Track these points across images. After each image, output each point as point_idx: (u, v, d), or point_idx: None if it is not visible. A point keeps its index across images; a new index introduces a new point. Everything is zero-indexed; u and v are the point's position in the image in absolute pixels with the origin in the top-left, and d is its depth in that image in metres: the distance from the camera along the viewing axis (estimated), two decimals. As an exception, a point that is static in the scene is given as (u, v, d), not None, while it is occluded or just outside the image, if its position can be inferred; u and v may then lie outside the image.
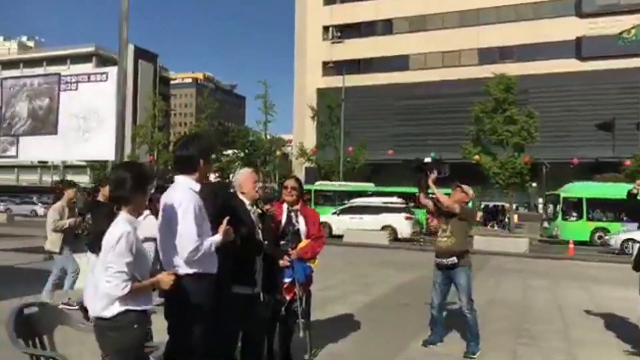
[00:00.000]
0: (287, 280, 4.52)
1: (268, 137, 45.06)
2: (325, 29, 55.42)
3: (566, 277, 12.19)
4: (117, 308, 2.56)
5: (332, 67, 42.99)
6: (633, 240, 18.75)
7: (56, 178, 63.01)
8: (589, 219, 24.94)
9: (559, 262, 16.36)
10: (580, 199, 25.46)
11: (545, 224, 27.45)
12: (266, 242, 4.11)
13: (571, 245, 18.81)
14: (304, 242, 4.63)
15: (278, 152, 44.51)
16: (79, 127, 8.61)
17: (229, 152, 45.99)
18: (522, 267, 13.91)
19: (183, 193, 3.07)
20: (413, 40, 51.12)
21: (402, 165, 47.11)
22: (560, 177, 29.29)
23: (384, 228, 21.53)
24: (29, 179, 74.93)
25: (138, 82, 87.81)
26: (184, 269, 2.98)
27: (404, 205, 24.30)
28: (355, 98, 45.83)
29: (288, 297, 4.54)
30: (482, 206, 38.32)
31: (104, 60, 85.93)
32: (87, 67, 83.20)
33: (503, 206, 37.69)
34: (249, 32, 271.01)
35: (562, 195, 25.92)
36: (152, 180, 3.36)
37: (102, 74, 8.63)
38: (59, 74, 8.98)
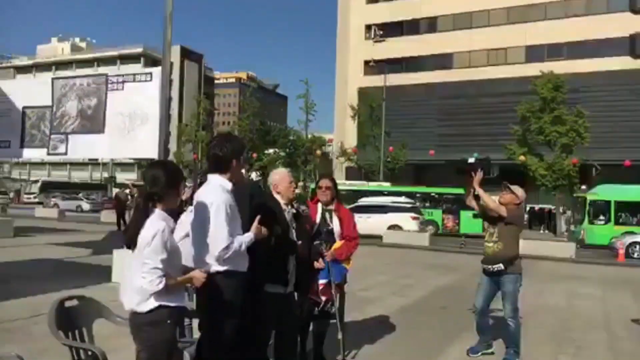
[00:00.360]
0: (322, 281, 4.51)
1: (309, 136, 45.19)
2: (368, 27, 55.08)
3: (614, 284, 11.69)
4: (151, 303, 2.61)
5: (374, 66, 42.75)
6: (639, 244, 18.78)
7: (105, 175, 65.32)
8: (617, 223, 23.59)
9: (608, 268, 15.70)
10: (608, 202, 24.31)
11: (572, 228, 26.43)
12: (300, 242, 4.12)
13: (621, 251, 18.03)
14: (339, 243, 4.61)
15: (318, 152, 44.53)
16: (124, 126, 8.87)
17: (270, 151, 46.42)
18: (569, 272, 13.44)
19: (215, 192, 3.11)
20: (458, 38, 50.18)
21: (444, 165, 46.46)
22: (611, 180, 28.13)
23: (390, 227, 21.44)
24: (80, 175, 77.90)
25: (184, 81, 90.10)
26: (215, 267, 3.03)
27: (410, 205, 24.24)
28: (397, 97, 45.40)
29: (324, 298, 4.54)
30: (528, 209, 37.26)
31: (151, 61, 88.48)
32: (136, 67, 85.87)
33: (550, 209, 36.54)
34: (292, 32, 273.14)
35: (589, 197, 24.76)
36: (184, 177, 3.44)
37: (146, 74, 8.86)
38: (106, 75, 9.28)
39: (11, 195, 47.37)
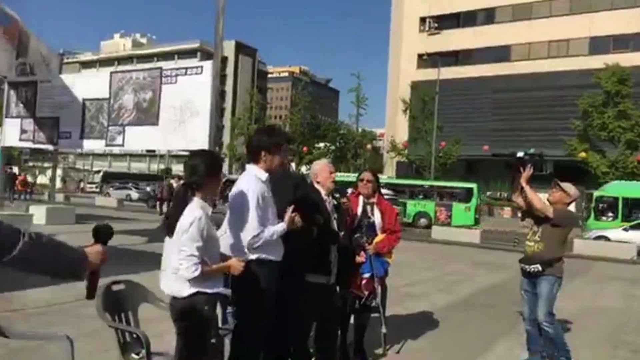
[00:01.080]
0: (366, 275, 4.50)
1: (359, 130, 45.04)
2: (422, 20, 54.15)
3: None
4: (188, 289, 2.69)
5: (427, 60, 42.02)
6: (605, 238, 18.81)
7: (162, 166, 67.58)
8: (624, 220, 22.41)
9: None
10: (615, 199, 23.66)
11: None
12: (342, 234, 4.12)
13: None
14: (380, 237, 4.58)
15: (369, 146, 44.33)
16: (175, 118, 9.13)
17: (321, 145, 46.60)
18: (629, 274, 12.79)
19: (248, 181, 3.19)
20: (516, 29, 48.52)
21: (497, 161, 45.14)
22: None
23: None
24: (138, 166, 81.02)
25: (238, 75, 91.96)
26: (247, 255, 3.09)
27: (389, 197, 23.84)
28: (450, 91, 44.43)
29: (366, 292, 4.52)
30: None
31: (207, 55, 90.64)
32: (193, 62, 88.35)
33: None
34: (345, 26, 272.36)
35: (596, 194, 24.06)
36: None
37: (198, 67, 9.08)
38: (160, 68, 9.58)
39: (70, 185, 49.75)
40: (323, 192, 4.10)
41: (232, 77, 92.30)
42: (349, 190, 5.12)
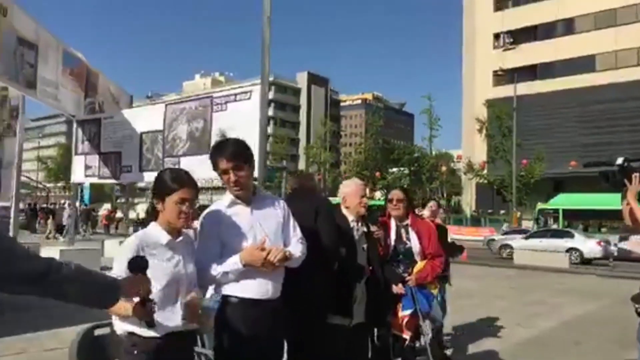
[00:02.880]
0: (406, 312, 3.84)
1: (434, 152, 43.70)
2: (496, 36, 52.41)
3: None
4: (120, 326, 2.32)
5: (503, 76, 40.30)
6: (509, 247, 20.97)
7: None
8: None
9: None
10: (556, 210, 25.73)
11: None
12: (371, 267, 3.53)
13: None
14: (421, 264, 3.93)
15: (444, 168, 42.80)
16: (226, 146, 8.92)
17: (394, 169, 45.66)
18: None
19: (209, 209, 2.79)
20: (600, 38, 45.62)
21: (589, 177, 41.85)
22: None
23: None
24: (202, 197, 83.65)
25: (311, 106, 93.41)
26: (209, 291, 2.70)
27: None
28: (529, 107, 42.23)
29: (408, 333, 3.85)
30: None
31: (282, 88, 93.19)
32: (269, 96, 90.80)
33: None
34: (417, 48, 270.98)
35: (539, 207, 25.80)
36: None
37: (246, 92, 8.86)
38: (211, 96, 9.47)
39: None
40: (350, 219, 3.56)
41: (306, 108, 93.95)
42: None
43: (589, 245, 20.28)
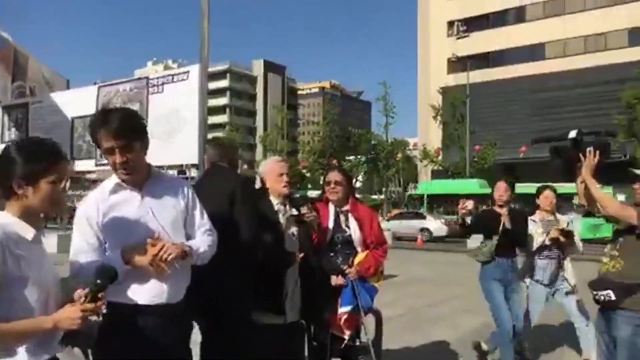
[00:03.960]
0: (345, 309, 3.40)
1: (390, 140, 43.75)
2: (450, 24, 52.92)
3: None
4: None
5: (457, 63, 40.65)
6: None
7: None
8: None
9: None
10: (421, 196, 28.66)
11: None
12: (302, 255, 3.11)
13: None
14: (362, 255, 3.51)
15: (400, 155, 42.92)
16: (163, 131, 8.32)
17: (351, 157, 45.48)
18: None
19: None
20: (549, 26, 46.67)
21: (539, 163, 42.99)
22: None
23: None
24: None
25: (268, 94, 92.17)
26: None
27: None
28: (483, 94, 42.78)
29: (347, 332, 3.44)
30: None
31: (238, 76, 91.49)
32: (223, 84, 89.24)
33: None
34: (373, 37, 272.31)
35: (408, 193, 28.90)
36: None
37: (184, 72, 8.25)
38: (147, 78, 8.82)
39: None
40: (275, 202, 3.10)
41: (262, 96, 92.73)
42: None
43: (437, 226, 23.30)
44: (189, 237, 2.27)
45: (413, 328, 6.26)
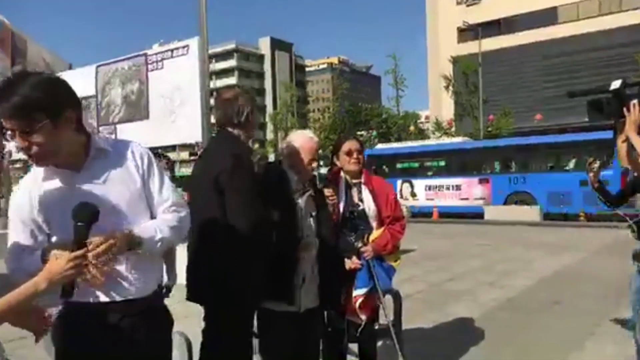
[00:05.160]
0: (361, 291, 3.07)
1: (401, 113, 43.01)
2: (459, -9, 51.51)
3: None
4: None
5: (468, 32, 39.61)
6: None
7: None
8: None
9: None
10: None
11: None
12: (321, 239, 2.78)
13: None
14: (378, 231, 3.16)
15: (412, 128, 42.21)
16: (165, 109, 8.01)
17: (362, 132, 44.90)
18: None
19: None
20: (562, -11, 45.25)
21: (552, 131, 42.18)
22: None
23: None
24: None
25: (276, 72, 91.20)
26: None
27: None
28: (495, 62, 41.87)
29: (364, 316, 3.11)
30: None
31: (245, 55, 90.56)
32: (231, 63, 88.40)
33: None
34: (380, 9, 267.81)
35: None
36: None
37: (183, 47, 7.90)
38: (145, 54, 8.48)
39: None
40: (294, 179, 2.77)
41: (270, 74, 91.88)
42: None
43: None
44: (151, 216, 1.84)
45: (434, 305, 5.95)
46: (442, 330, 5.01)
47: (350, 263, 3.05)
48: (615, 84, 2.81)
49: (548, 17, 46.49)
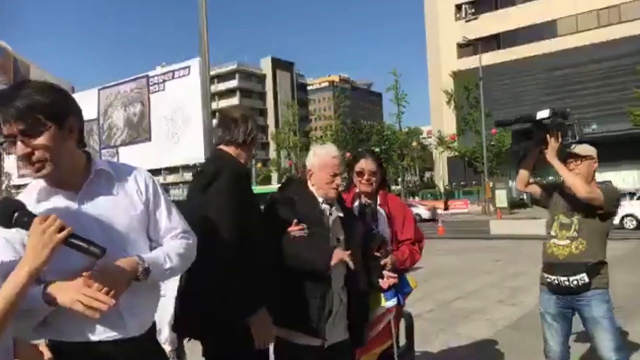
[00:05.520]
0: (392, 303, 2.89)
1: (403, 129, 43.10)
2: (458, 7, 51.97)
3: None
4: None
5: (468, 47, 39.81)
6: None
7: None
8: None
9: None
10: None
11: None
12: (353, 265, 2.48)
13: None
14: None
15: (414, 143, 42.25)
16: (168, 130, 7.97)
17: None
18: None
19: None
20: (560, 2, 45.51)
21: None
22: None
23: None
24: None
25: (277, 91, 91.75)
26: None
27: None
28: (495, 76, 42.04)
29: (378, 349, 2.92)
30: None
31: (247, 75, 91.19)
32: (232, 84, 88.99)
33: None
34: (380, 27, 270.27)
35: None
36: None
37: (184, 67, 7.92)
38: (147, 75, 8.47)
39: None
40: (320, 200, 2.60)
41: (272, 94, 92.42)
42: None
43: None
44: (153, 245, 1.74)
45: (445, 325, 5.79)
46: (453, 352, 4.86)
47: (386, 278, 2.77)
48: (542, 114, 3.09)
49: (547, 30, 46.78)
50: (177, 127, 6.85)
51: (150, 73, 7.49)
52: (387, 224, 3.02)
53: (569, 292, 3.14)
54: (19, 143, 1.49)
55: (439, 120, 45.81)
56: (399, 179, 43.89)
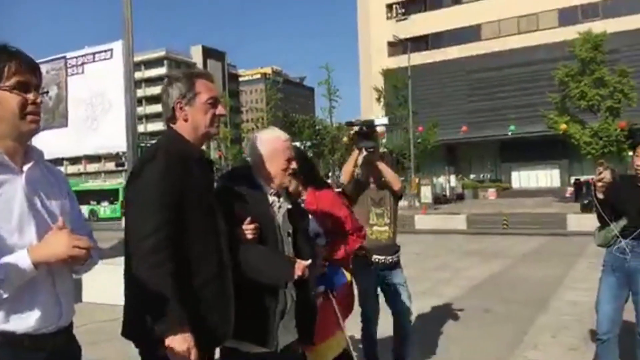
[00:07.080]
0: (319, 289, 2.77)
1: (334, 124, 43.48)
2: (389, 7, 53.09)
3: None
4: None
5: (398, 46, 40.73)
6: None
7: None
8: None
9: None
10: None
11: None
12: (308, 262, 2.27)
13: None
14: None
15: (345, 139, 42.73)
16: (87, 116, 7.52)
17: (297, 143, 44.99)
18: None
19: None
20: (484, 7, 47.63)
21: (478, 142, 44.19)
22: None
23: None
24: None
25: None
26: None
27: None
28: (423, 76, 43.37)
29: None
30: (573, 181, 34.89)
31: (176, 63, 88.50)
32: (160, 71, 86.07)
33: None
34: (314, 22, 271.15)
35: None
36: None
37: (106, 51, 7.46)
38: (64, 57, 7.95)
39: None
40: (269, 190, 2.35)
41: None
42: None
43: None
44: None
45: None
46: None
47: (298, 265, 2.33)
48: (381, 120, 4.09)
49: (472, 33, 48.82)
50: (97, 112, 6.41)
51: (68, 55, 6.95)
52: (315, 220, 2.85)
53: (387, 267, 4.06)
54: (33, 92, 1.60)
55: (369, 116, 46.58)
56: (330, 173, 44.29)
